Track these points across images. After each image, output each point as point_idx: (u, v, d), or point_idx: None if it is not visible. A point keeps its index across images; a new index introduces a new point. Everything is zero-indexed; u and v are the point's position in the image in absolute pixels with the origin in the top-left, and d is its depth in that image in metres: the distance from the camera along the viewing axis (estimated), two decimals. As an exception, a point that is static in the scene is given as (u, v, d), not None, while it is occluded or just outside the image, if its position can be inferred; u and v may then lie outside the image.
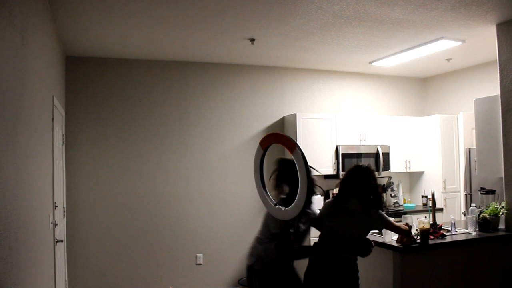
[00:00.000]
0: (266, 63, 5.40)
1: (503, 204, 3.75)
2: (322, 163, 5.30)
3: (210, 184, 5.20)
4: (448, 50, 4.72)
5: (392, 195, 5.70)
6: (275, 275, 2.90)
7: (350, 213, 2.91)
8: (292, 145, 2.74)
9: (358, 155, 5.44)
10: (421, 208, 5.68)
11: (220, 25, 3.80)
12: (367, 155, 5.48)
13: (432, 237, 3.45)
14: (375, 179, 3.02)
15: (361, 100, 6.09)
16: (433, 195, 3.83)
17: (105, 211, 4.78)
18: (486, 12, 3.54)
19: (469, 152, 5.06)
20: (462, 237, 3.58)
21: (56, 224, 3.49)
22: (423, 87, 6.50)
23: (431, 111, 6.29)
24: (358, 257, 2.95)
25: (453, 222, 3.74)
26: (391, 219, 3.13)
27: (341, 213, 2.93)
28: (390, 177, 5.72)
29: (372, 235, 3.63)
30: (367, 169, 3.05)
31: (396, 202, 5.66)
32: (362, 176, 3.01)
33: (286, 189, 2.99)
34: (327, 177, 5.56)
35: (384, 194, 5.49)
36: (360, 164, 3.16)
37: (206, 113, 5.24)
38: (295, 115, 5.28)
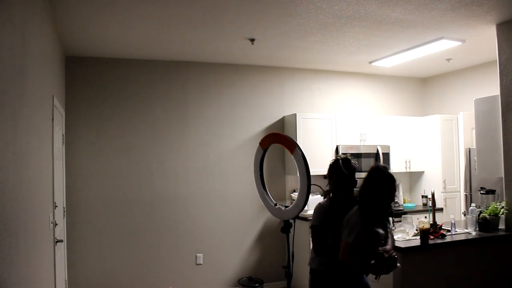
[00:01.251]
0: (266, 63, 5.40)
1: (503, 204, 3.75)
2: (322, 163, 5.28)
3: (210, 184, 5.20)
4: (448, 50, 4.72)
5: (392, 195, 5.69)
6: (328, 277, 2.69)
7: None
8: (292, 145, 2.74)
9: (358, 155, 5.44)
10: (421, 208, 5.67)
11: (220, 25, 3.80)
12: (367, 155, 5.48)
13: (432, 237, 3.45)
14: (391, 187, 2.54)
15: (361, 100, 6.09)
16: (433, 195, 3.83)
17: (105, 211, 4.78)
18: (486, 12, 3.54)
19: (469, 152, 5.07)
20: (462, 237, 3.58)
21: (56, 224, 3.49)
22: (423, 87, 6.50)
23: (431, 111, 6.29)
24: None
25: (453, 222, 3.74)
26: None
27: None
28: (390, 177, 5.71)
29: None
30: (386, 174, 2.56)
31: (396, 202, 5.66)
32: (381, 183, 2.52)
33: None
34: (327, 177, 5.55)
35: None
36: (379, 165, 2.67)
37: (206, 113, 5.24)
38: (295, 115, 5.28)
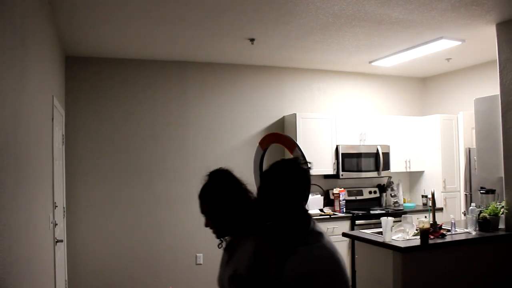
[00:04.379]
0: (266, 63, 5.40)
1: (503, 203, 3.75)
2: (322, 163, 5.30)
3: (210, 184, 5.19)
4: (448, 50, 4.71)
5: (392, 195, 5.70)
6: None
7: None
8: (292, 145, 2.75)
9: (358, 155, 5.44)
10: (421, 208, 5.67)
11: (220, 25, 3.80)
12: (367, 155, 5.48)
13: (432, 236, 3.45)
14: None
15: (361, 100, 6.09)
16: (433, 194, 3.83)
17: (105, 211, 4.78)
18: (486, 12, 3.54)
19: (469, 152, 5.07)
20: (462, 237, 3.58)
21: (56, 224, 3.49)
22: (423, 87, 6.50)
23: (431, 111, 6.29)
24: None
25: (453, 221, 3.74)
26: None
27: None
28: (390, 177, 5.73)
29: (373, 235, 3.64)
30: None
31: (396, 202, 5.66)
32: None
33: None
34: (327, 177, 5.57)
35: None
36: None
37: (206, 113, 5.24)
38: (295, 115, 5.28)
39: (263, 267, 1.51)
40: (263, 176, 1.63)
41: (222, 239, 1.75)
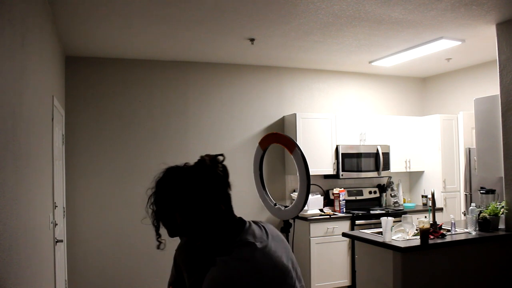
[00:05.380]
0: (266, 63, 5.40)
1: (503, 203, 3.75)
2: (322, 163, 5.30)
3: (210, 184, 5.19)
4: (448, 49, 4.72)
5: (392, 194, 5.71)
6: None
7: None
8: (292, 145, 2.75)
9: (358, 155, 5.45)
10: (421, 208, 5.67)
11: (220, 25, 3.80)
12: (367, 155, 5.48)
13: (432, 237, 3.46)
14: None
15: (361, 100, 6.09)
16: (433, 194, 3.83)
17: (105, 211, 4.78)
18: (486, 12, 3.54)
19: (469, 152, 5.07)
20: (462, 237, 3.58)
21: (56, 224, 3.49)
22: (423, 87, 6.50)
23: (431, 111, 6.29)
24: None
25: (453, 222, 3.74)
26: None
27: None
28: (390, 177, 5.73)
29: (373, 235, 3.64)
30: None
31: (396, 202, 5.66)
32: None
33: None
34: (327, 177, 5.57)
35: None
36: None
37: (206, 113, 5.24)
38: (295, 115, 5.28)
39: (181, 274, 1.52)
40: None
41: (160, 240, 1.57)
